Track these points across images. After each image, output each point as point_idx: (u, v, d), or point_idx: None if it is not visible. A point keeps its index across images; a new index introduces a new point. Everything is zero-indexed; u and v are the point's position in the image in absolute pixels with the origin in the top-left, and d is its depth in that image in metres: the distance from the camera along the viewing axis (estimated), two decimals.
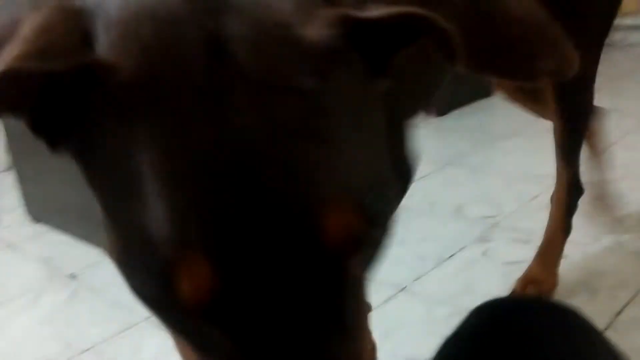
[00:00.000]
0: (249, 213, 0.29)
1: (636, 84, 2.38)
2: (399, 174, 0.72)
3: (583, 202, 1.17)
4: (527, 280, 1.12)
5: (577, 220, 1.15)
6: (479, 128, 2.22)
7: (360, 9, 0.32)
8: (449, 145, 2.01)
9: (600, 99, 1.10)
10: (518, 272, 1.17)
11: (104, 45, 0.31)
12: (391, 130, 0.46)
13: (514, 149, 1.93)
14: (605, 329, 1.00)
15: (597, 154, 1.27)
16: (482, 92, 2.59)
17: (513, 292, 1.11)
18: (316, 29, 0.32)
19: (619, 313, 1.04)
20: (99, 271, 1.32)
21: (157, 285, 0.30)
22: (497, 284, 1.16)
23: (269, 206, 0.29)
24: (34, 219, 1.67)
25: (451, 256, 1.27)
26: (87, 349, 1.10)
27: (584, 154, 1.14)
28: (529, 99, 1.19)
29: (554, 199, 1.14)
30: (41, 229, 1.63)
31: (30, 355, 1.12)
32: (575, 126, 1.05)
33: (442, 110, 2.35)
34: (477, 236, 1.34)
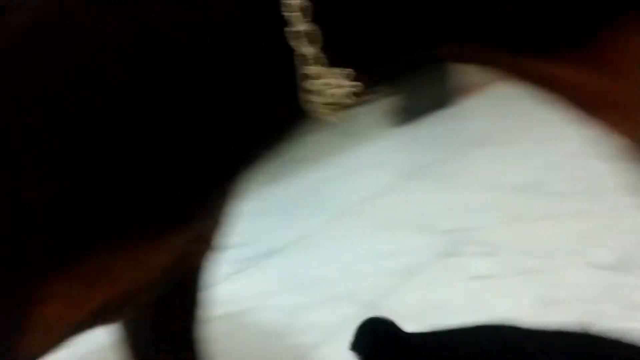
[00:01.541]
0: None
1: None
2: None
3: None
4: None
5: None
6: (445, 137, 2.21)
7: None
8: (414, 156, 1.99)
9: None
10: (485, 286, 1.15)
11: None
12: None
13: (481, 158, 1.92)
14: None
15: None
16: (447, 100, 2.60)
17: None
18: None
19: None
20: None
21: None
22: (463, 299, 1.13)
23: None
24: None
25: (417, 272, 1.25)
26: None
27: None
28: None
29: None
30: None
31: None
32: None
33: (404, 119, 2.34)
34: (442, 250, 1.32)
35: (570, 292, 1.10)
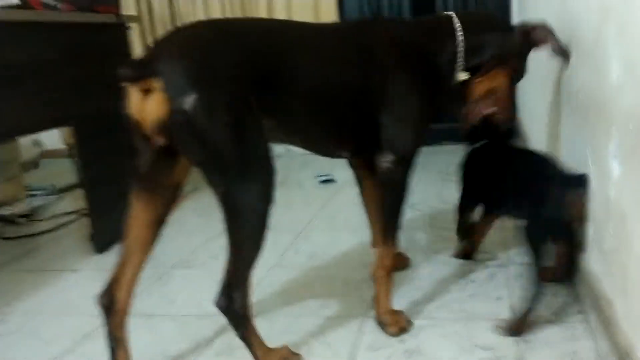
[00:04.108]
0: None
1: None
2: None
3: None
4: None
5: None
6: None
7: None
8: None
9: None
10: None
11: None
12: None
13: (184, 284, 1.84)
14: None
15: None
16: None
17: None
18: None
19: None
20: None
21: None
22: None
23: None
24: None
25: None
26: None
27: None
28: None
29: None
30: None
31: None
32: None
33: (101, 246, 2.12)
34: None
35: None
